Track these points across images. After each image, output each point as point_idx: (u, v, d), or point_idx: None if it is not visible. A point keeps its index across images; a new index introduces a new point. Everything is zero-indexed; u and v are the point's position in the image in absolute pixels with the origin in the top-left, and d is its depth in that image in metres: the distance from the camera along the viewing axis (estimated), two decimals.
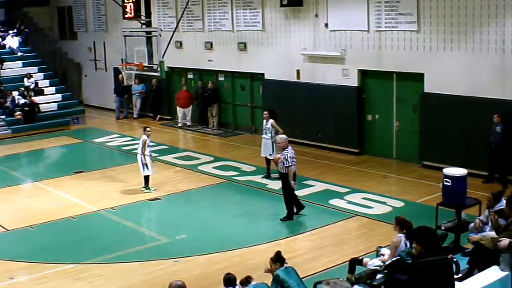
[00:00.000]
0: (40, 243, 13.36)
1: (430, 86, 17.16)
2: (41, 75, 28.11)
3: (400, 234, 9.61)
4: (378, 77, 18.74)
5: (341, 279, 9.44)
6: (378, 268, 9.40)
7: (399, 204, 14.77)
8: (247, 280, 8.82)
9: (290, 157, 13.60)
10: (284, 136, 14.27)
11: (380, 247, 10.31)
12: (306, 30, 20.17)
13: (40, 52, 30.19)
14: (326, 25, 19.49)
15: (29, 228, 14.07)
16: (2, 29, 29.83)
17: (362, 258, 10.08)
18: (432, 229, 8.92)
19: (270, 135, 16.67)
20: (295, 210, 14.10)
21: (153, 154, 16.85)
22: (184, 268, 11.62)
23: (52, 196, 16.36)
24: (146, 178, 16.31)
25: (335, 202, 14.96)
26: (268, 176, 17.11)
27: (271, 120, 16.72)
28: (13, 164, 20.59)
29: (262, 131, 17.26)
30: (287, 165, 13.60)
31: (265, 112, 17.13)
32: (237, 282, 8.65)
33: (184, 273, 11.05)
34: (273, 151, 16.66)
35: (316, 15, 19.73)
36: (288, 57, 20.93)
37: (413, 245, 8.92)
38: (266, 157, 17.03)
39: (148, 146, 16.11)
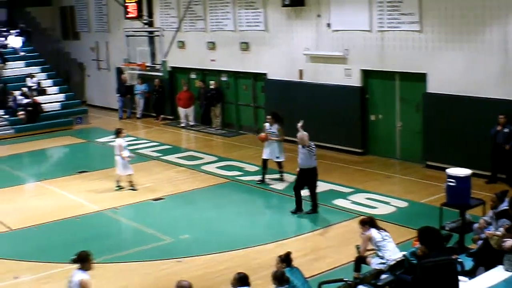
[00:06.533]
0: (44, 243, 13.40)
1: (433, 86, 17.16)
2: (43, 75, 28.09)
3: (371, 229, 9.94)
4: (381, 77, 18.74)
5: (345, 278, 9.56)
6: (382, 268, 9.45)
7: (403, 204, 14.77)
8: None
9: (300, 151, 14.18)
10: (303, 133, 14.40)
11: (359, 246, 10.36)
12: (309, 30, 20.15)
13: (43, 52, 30.16)
14: (329, 25, 19.48)
15: (33, 228, 14.11)
16: (5, 29, 29.83)
17: (367, 256, 10.10)
18: (436, 230, 8.95)
19: (275, 138, 16.37)
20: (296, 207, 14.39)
21: (132, 155, 17.30)
22: (187, 268, 11.62)
23: (56, 196, 16.38)
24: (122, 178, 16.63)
25: (339, 202, 14.97)
26: (262, 181, 16.68)
27: (276, 125, 16.35)
28: (16, 164, 20.64)
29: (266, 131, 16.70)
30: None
31: (268, 117, 16.74)
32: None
33: (187, 273, 11.04)
34: (279, 154, 16.47)
35: (319, 15, 19.72)
36: (290, 57, 20.93)
37: (418, 246, 8.99)
38: (264, 160, 16.62)
39: (125, 148, 16.45)
